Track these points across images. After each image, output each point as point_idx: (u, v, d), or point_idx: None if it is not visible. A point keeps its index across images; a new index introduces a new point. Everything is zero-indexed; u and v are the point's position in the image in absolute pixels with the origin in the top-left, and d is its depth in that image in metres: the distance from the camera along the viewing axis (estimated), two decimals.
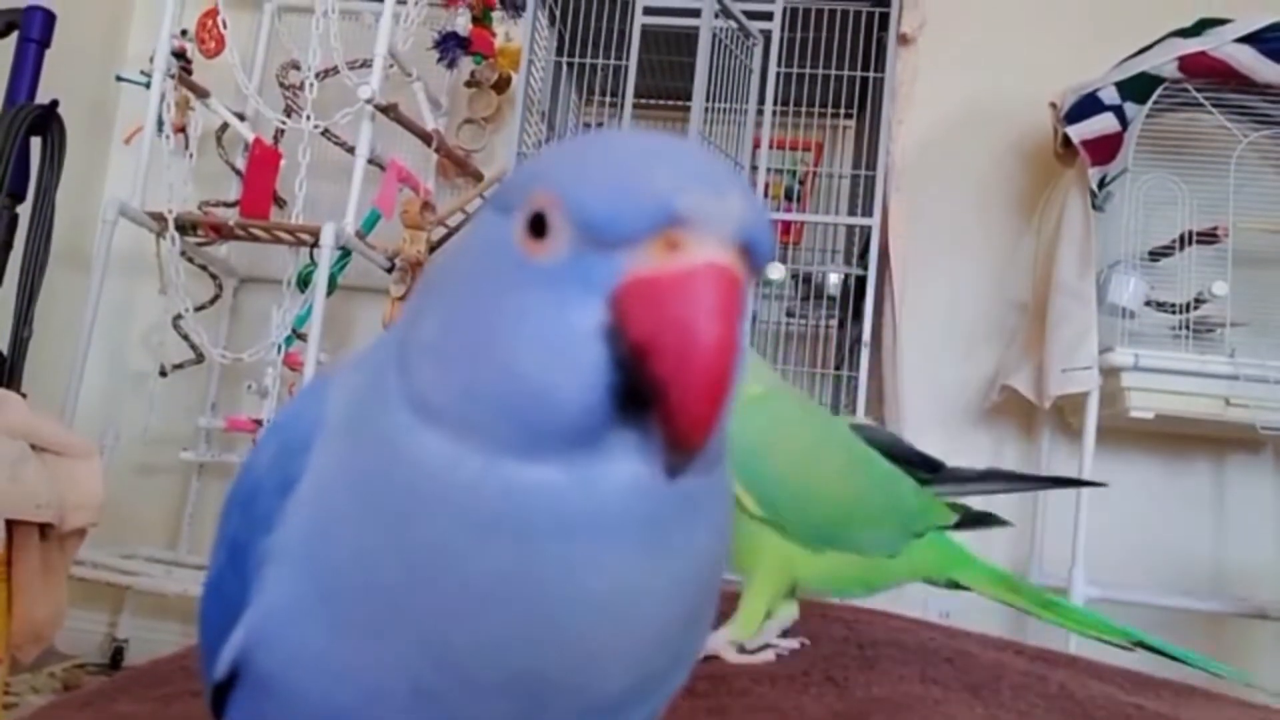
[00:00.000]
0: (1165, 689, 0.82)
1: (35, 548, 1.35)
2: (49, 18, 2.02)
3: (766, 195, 2.08)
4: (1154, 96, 2.02)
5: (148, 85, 2.21)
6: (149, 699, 0.71)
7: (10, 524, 1.30)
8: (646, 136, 0.33)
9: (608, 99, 2.28)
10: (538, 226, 0.31)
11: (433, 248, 2.33)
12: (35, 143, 1.93)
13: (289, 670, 0.34)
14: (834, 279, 2.13)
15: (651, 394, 0.29)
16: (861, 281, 1.99)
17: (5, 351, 1.87)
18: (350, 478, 0.33)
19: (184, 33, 2.25)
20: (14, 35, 2.01)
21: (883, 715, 0.66)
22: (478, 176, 2.49)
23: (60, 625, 1.43)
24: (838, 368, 2.07)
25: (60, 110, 1.94)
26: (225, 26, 2.26)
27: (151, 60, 2.21)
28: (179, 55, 2.22)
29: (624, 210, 0.30)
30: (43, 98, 1.97)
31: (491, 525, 0.30)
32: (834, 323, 2.15)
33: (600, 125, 2.39)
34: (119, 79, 2.47)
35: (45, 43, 2.02)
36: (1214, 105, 2.02)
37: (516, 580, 0.31)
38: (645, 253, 0.29)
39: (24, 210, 1.90)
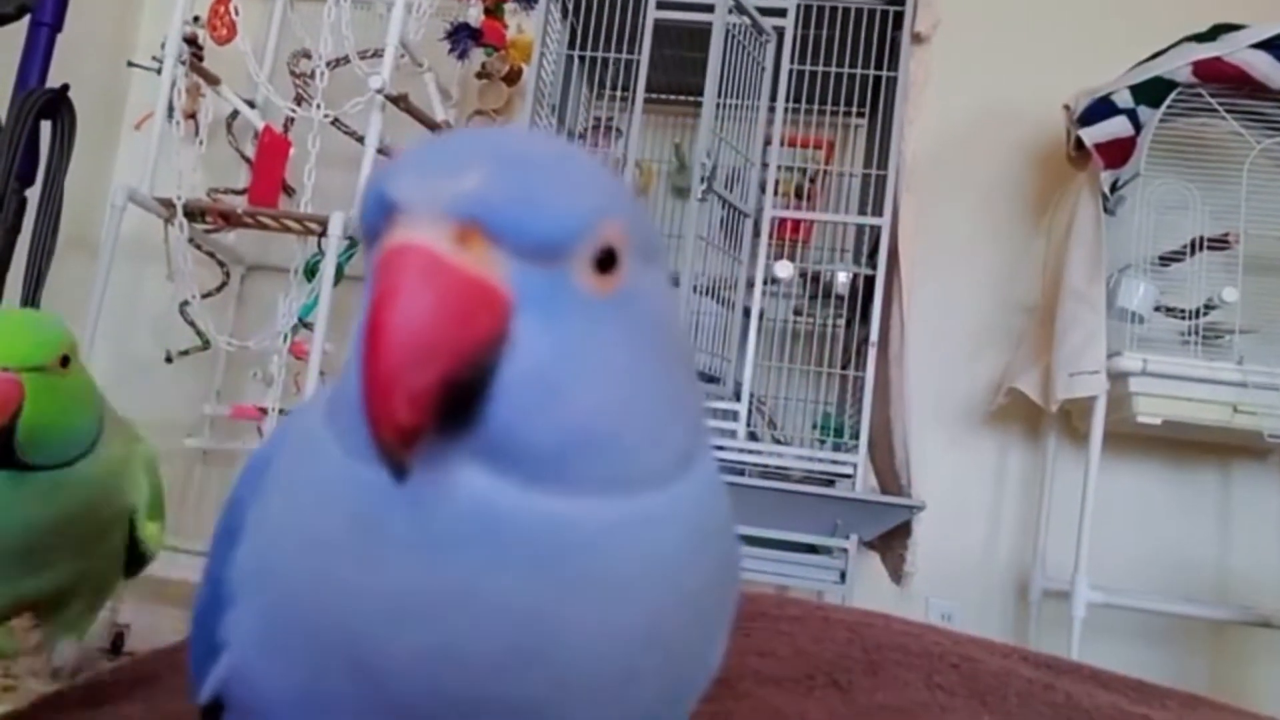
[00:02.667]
0: (1171, 699, 0.81)
1: None
2: (61, 2, 2.01)
3: (776, 193, 2.07)
4: (1168, 101, 2.01)
5: (159, 71, 2.20)
6: (149, 687, 0.71)
7: None
8: (458, 133, 0.32)
9: (619, 93, 2.27)
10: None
11: None
12: (45, 127, 1.93)
13: (264, 704, 0.34)
14: (842, 278, 2.12)
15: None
16: (870, 281, 1.98)
17: None
18: (287, 504, 0.34)
19: (196, 19, 2.25)
20: (26, 19, 2.00)
21: None
22: None
23: None
24: (844, 367, 2.06)
25: (71, 95, 1.94)
26: (237, 14, 2.26)
27: (163, 46, 2.21)
28: (190, 42, 2.22)
29: (367, 206, 0.29)
30: (53, 82, 1.97)
31: (383, 533, 0.29)
32: (841, 322, 2.14)
33: (610, 119, 2.38)
34: (130, 65, 2.46)
35: (57, 27, 2.01)
36: (1228, 111, 2.01)
37: (419, 595, 0.29)
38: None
39: (32, 194, 1.90)
